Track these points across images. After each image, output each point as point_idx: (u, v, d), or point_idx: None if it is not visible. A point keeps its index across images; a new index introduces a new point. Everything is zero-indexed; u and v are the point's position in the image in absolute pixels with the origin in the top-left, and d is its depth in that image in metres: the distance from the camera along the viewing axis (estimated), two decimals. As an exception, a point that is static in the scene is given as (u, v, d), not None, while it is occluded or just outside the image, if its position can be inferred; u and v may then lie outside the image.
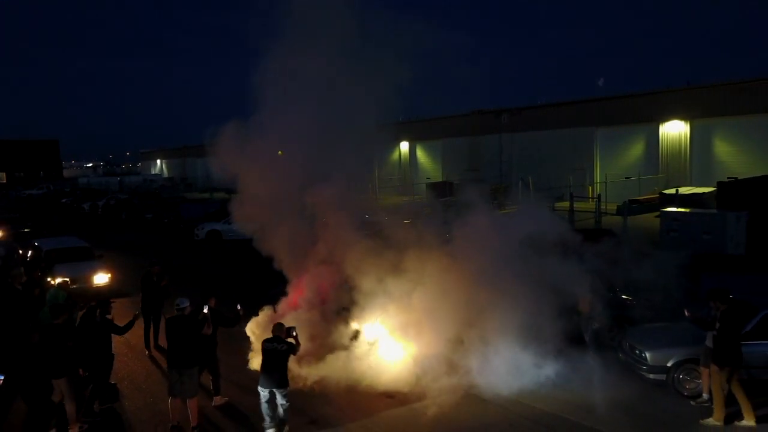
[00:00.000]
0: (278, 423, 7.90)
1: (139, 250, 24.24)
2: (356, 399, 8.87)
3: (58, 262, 15.97)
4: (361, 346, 9.81)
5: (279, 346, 7.87)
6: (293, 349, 8.02)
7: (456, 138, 43.08)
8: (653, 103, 31.42)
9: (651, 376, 8.85)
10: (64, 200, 51.73)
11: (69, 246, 17.51)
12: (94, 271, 15.96)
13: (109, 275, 16.00)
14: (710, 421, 7.92)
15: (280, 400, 7.86)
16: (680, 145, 30.31)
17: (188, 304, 8.15)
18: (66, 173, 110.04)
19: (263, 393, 7.82)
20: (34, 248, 17.55)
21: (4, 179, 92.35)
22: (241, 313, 9.31)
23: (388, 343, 9.74)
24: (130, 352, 11.22)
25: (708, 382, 8.39)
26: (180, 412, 8.03)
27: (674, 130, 30.47)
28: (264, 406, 7.84)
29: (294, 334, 8.18)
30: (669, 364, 8.82)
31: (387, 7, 11.08)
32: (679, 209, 17.44)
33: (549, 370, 8.98)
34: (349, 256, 10.23)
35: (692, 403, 8.49)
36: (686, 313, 9.31)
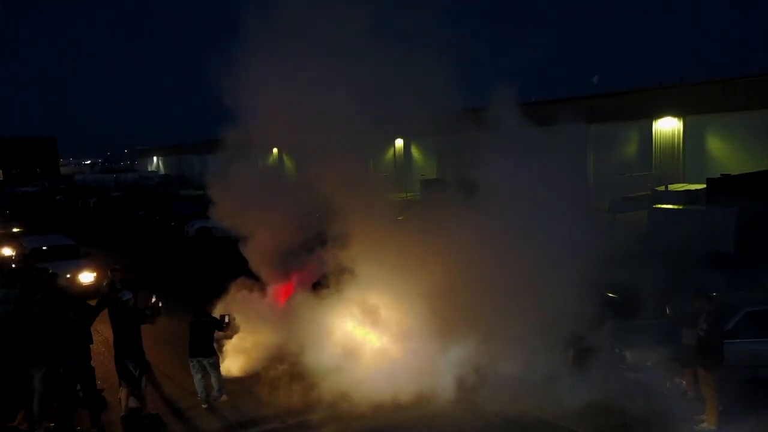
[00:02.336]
0: (216, 394, 8.78)
1: (128, 248, 24.20)
2: (327, 397, 8.80)
3: (44, 260, 15.87)
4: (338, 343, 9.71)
5: (203, 319, 8.89)
6: (218, 324, 9.01)
7: (450, 135, 42.92)
8: (646, 100, 31.29)
9: (631, 375, 8.75)
10: (58, 197, 51.73)
11: (54, 244, 17.42)
12: (80, 269, 15.88)
13: (95, 274, 15.91)
14: (704, 426, 7.74)
15: (209, 369, 8.74)
16: (673, 141, 30.20)
17: (131, 296, 8.49)
18: (64, 170, 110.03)
19: (192, 363, 8.74)
20: (19, 247, 17.47)
21: (1, 176, 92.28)
22: (159, 305, 9.14)
23: (366, 343, 9.65)
24: (107, 350, 11.13)
25: (691, 381, 8.30)
26: (129, 402, 8.37)
27: (667, 127, 30.37)
28: (196, 378, 8.75)
29: (227, 321, 9.20)
30: (649, 363, 8.74)
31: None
32: (668, 206, 17.35)
33: (525, 369, 8.82)
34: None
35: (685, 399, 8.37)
36: (668, 310, 9.24)
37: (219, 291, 11.48)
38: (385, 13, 10.32)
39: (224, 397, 8.87)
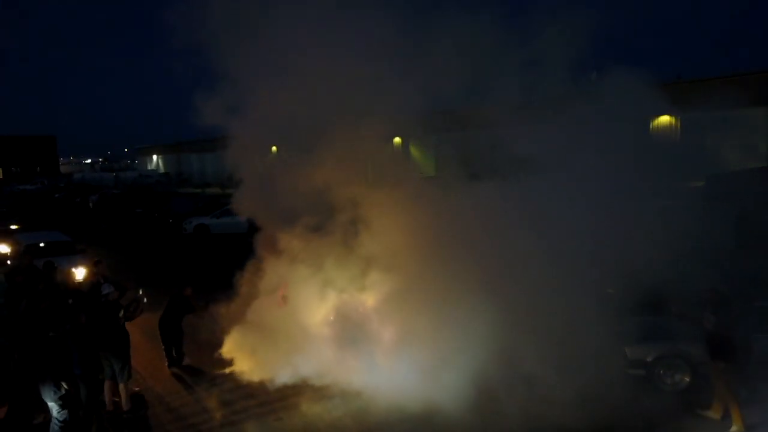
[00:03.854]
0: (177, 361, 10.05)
1: (124, 245, 24.05)
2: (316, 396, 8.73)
3: (39, 256, 15.76)
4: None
5: (180, 302, 10.00)
6: (191, 307, 10.14)
7: (449, 134, 42.71)
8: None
9: (630, 371, 8.62)
10: (57, 195, 51.85)
11: (49, 240, 17.33)
12: (75, 265, 15.74)
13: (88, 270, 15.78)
14: (734, 429, 7.43)
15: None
16: (671, 139, 30.05)
17: (112, 289, 8.40)
18: (64, 169, 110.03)
19: (164, 337, 10.03)
20: (15, 243, 17.33)
21: (0, 174, 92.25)
22: (141, 300, 9.00)
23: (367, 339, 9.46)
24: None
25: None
26: (114, 395, 8.28)
27: (665, 124, 30.25)
28: (165, 348, 10.05)
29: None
30: (649, 360, 8.61)
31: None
32: (668, 203, 17.15)
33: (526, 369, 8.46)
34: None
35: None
36: (672, 308, 9.07)
37: (214, 288, 11.34)
38: None
39: (186, 360, 10.12)
